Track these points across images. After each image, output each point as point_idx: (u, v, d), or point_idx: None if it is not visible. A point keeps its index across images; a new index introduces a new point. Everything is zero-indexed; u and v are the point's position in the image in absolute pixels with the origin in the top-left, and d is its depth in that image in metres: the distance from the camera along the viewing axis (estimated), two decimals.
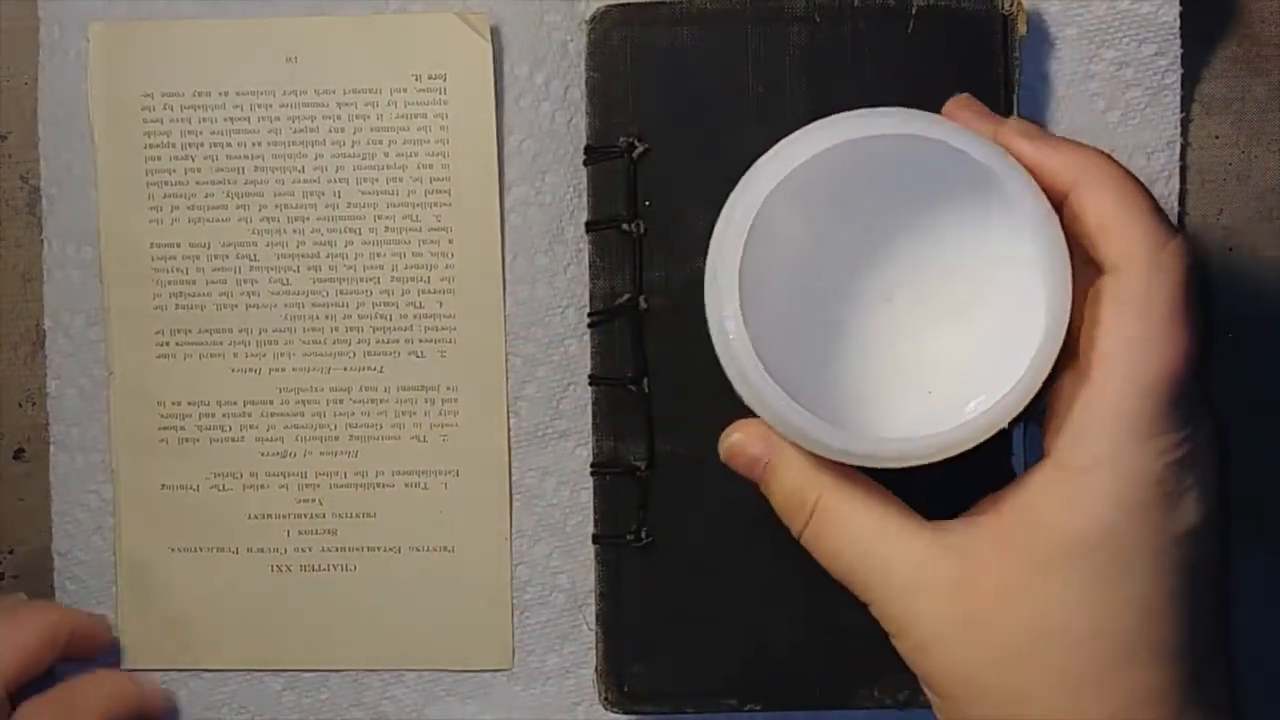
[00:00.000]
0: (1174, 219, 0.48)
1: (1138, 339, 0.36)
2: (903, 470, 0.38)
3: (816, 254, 0.42)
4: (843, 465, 0.39)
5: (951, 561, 0.37)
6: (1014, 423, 0.38)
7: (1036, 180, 0.38)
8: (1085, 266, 0.37)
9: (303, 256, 0.49)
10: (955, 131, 0.38)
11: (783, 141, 0.38)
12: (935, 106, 0.41)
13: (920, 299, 0.42)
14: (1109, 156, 0.38)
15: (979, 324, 0.41)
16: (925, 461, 0.38)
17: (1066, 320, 0.37)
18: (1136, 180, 0.37)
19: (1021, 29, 0.45)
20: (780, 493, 0.41)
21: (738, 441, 0.41)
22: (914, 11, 0.45)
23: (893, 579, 0.38)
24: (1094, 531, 0.36)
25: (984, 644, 0.37)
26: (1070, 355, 0.37)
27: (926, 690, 0.39)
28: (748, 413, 0.40)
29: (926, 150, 0.38)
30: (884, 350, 0.42)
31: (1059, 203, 0.38)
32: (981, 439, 0.37)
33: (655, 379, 0.47)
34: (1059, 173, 0.37)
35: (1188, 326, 0.36)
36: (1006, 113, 0.45)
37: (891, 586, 0.38)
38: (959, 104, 0.41)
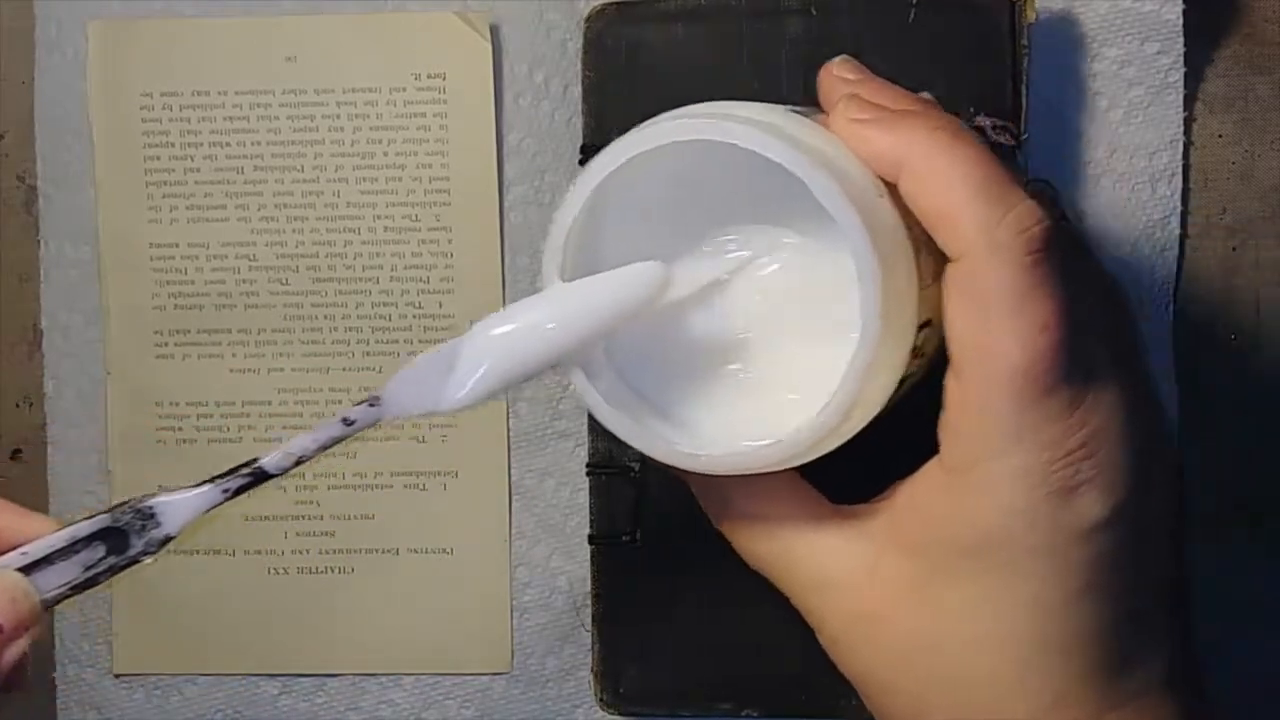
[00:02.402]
0: (1177, 218, 0.48)
1: (984, 334, 0.32)
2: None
3: (669, 252, 0.37)
4: None
5: (854, 557, 0.35)
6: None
7: (873, 166, 0.34)
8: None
9: (302, 256, 0.49)
10: (753, 135, 0.33)
11: (604, 151, 0.35)
12: (940, 101, 0.41)
13: (789, 296, 0.38)
14: (937, 124, 0.33)
15: (833, 330, 0.36)
16: (755, 472, 0.35)
17: (877, 326, 0.32)
18: (969, 148, 0.33)
19: (1030, 16, 0.44)
20: (697, 494, 0.39)
21: None
22: (915, 1, 0.44)
23: (801, 575, 0.36)
24: (979, 536, 0.33)
25: (884, 643, 0.35)
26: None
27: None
28: None
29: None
30: (746, 347, 0.38)
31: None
32: (810, 454, 0.34)
33: None
34: (886, 160, 0.33)
35: (1041, 304, 0.32)
36: (1015, 107, 0.44)
37: (800, 582, 0.37)
38: (826, 71, 0.37)
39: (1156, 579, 0.35)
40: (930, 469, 0.35)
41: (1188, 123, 0.48)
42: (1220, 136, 0.48)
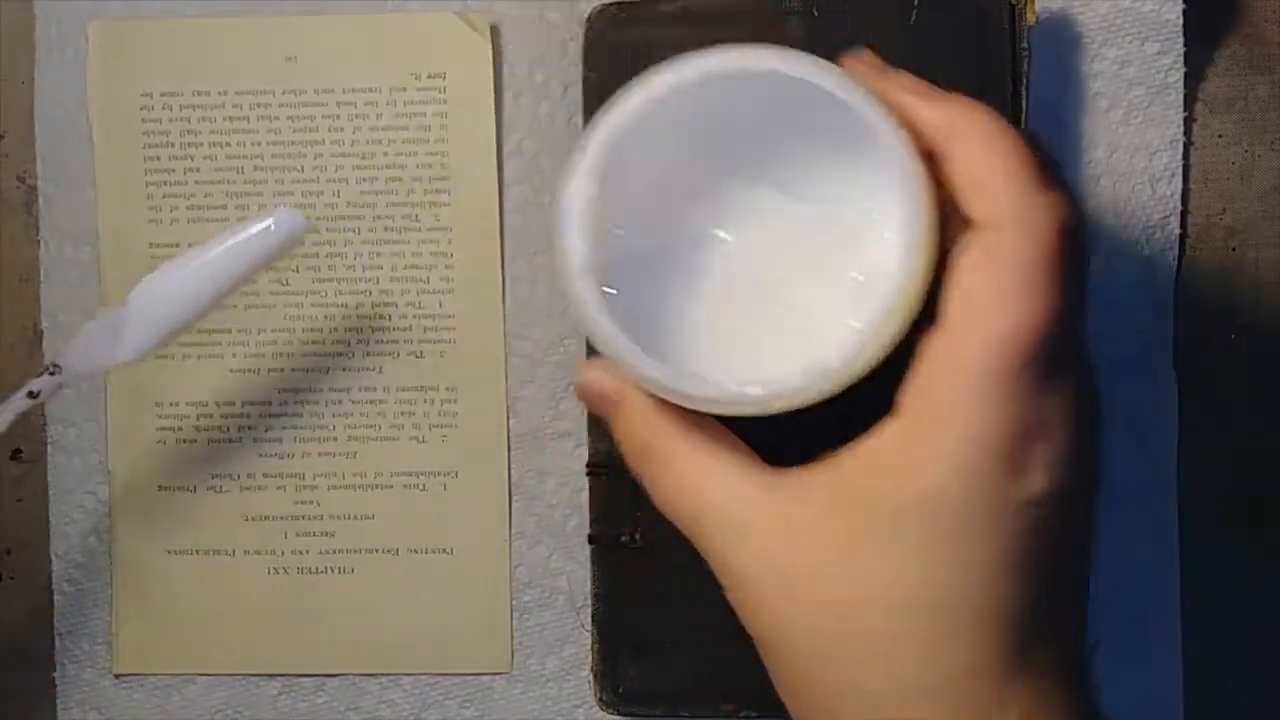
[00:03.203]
0: (1177, 218, 0.48)
1: (994, 294, 0.34)
2: (786, 416, 0.36)
3: (674, 195, 0.40)
4: (690, 412, 0.37)
5: (782, 509, 0.36)
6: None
7: (916, 137, 0.36)
8: (962, 225, 0.36)
9: (302, 256, 0.49)
10: (830, 75, 0.36)
11: (652, 70, 0.37)
12: None
13: (787, 249, 0.40)
14: (988, 109, 0.36)
15: (849, 280, 0.39)
16: (762, 413, 0.36)
17: (920, 280, 0.35)
18: (1015, 134, 0.35)
19: (1031, 18, 0.44)
20: (622, 433, 0.39)
21: (592, 379, 0.39)
22: (917, 2, 0.44)
23: (720, 524, 0.37)
24: (927, 491, 0.34)
25: (806, 598, 0.35)
26: (934, 310, 0.36)
27: (759, 650, 0.38)
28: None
29: (798, 94, 0.36)
30: (762, 307, 0.40)
31: (936, 159, 0.36)
32: (819, 395, 0.35)
33: None
34: (935, 126, 0.35)
35: (1053, 288, 0.34)
36: (1016, 111, 0.45)
37: (719, 532, 0.37)
38: (854, 59, 0.39)
39: (1071, 567, 0.36)
40: (886, 426, 0.35)
41: (1188, 123, 0.48)
42: (1220, 136, 0.48)
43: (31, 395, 0.38)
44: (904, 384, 0.35)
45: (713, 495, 0.37)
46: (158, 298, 0.39)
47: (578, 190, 0.36)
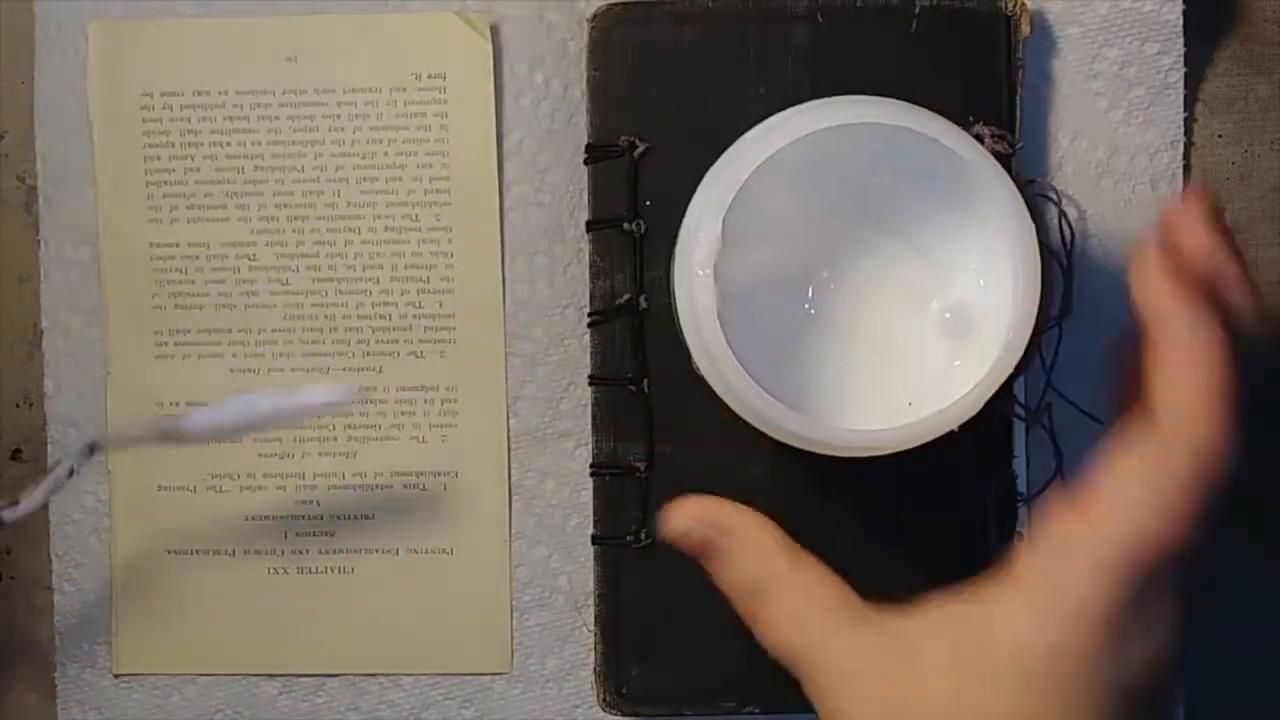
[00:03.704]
0: None
1: (1149, 502, 0.36)
2: (886, 467, 0.38)
3: (787, 236, 0.41)
4: (796, 550, 0.40)
5: (888, 654, 0.38)
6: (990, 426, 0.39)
7: (1133, 296, 0.38)
8: (1134, 400, 0.38)
9: (302, 256, 0.49)
10: (955, 136, 0.37)
11: (775, 117, 0.38)
12: (937, 107, 0.41)
13: (890, 296, 0.42)
14: (1220, 331, 0.38)
15: (938, 315, 0.41)
16: (866, 454, 0.38)
17: (1024, 343, 0.37)
18: (1228, 368, 0.38)
19: (1025, 30, 0.45)
20: (733, 568, 0.41)
21: (684, 528, 0.42)
22: (917, 12, 0.45)
23: (827, 665, 0.39)
24: (1037, 656, 0.36)
25: None
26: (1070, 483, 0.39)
27: None
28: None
29: (914, 147, 0.38)
30: (850, 341, 0.42)
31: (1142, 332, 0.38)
32: (917, 443, 0.38)
33: (655, 379, 0.47)
34: (1163, 314, 0.38)
35: (1197, 516, 0.36)
36: (1010, 115, 0.45)
37: (826, 672, 0.39)
38: (1141, 262, 0.40)
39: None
40: (1003, 586, 0.37)
41: (1188, 123, 0.48)
42: (1220, 136, 0.49)
43: (72, 473, 0.44)
44: (1026, 549, 0.38)
45: (822, 636, 0.39)
46: (203, 421, 0.45)
47: (709, 231, 0.38)
